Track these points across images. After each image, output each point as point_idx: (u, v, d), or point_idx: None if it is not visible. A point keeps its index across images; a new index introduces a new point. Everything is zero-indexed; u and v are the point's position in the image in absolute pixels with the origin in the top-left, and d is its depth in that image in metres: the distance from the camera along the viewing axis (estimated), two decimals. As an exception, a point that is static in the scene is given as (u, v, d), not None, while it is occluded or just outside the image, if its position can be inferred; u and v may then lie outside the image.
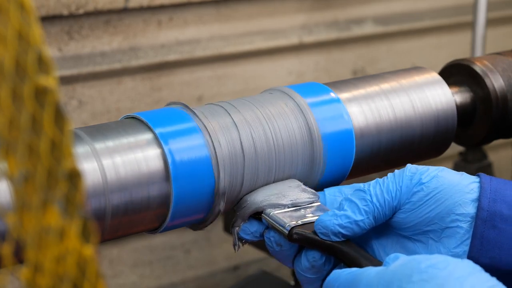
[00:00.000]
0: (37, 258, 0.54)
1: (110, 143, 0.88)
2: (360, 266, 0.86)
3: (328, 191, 0.97)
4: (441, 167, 0.93)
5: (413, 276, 0.75)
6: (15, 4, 0.52)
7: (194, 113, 0.93)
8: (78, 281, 0.55)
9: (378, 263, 0.86)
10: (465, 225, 0.90)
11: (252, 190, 0.96)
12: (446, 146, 1.13)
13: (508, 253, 0.89)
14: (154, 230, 0.93)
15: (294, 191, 0.95)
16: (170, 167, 0.89)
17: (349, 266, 0.87)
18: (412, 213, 0.91)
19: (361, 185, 0.94)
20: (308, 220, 0.91)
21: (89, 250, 0.55)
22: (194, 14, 1.77)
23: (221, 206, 0.93)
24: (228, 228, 1.70)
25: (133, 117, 0.94)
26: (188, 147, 0.91)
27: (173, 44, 1.76)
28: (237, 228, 0.94)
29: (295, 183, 0.97)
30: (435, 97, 1.10)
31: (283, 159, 0.96)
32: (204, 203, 0.92)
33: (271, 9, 1.88)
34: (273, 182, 0.97)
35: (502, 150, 2.31)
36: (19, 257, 0.56)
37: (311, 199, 0.94)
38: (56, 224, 0.54)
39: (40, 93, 0.53)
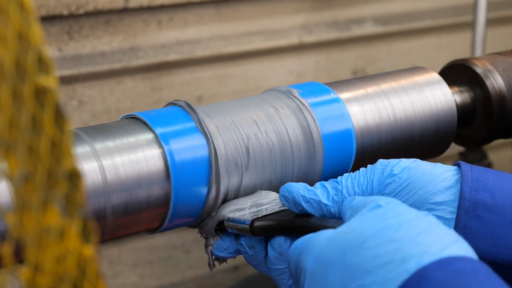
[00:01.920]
0: (37, 258, 0.54)
1: (110, 143, 0.88)
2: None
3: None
4: (414, 159, 0.91)
5: (367, 242, 0.71)
6: (15, 4, 0.52)
7: (194, 113, 0.93)
8: (78, 281, 0.55)
9: (337, 223, 0.82)
10: (442, 214, 0.88)
11: (252, 190, 0.96)
12: (446, 146, 1.13)
13: (492, 243, 0.86)
14: (154, 230, 0.93)
15: (256, 197, 0.94)
16: (170, 167, 0.89)
17: None
18: None
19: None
20: (266, 213, 0.90)
21: (89, 250, 0.55)
22: (194, 14, 1.77)
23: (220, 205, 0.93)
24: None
25: (133, 117, 0.94)
26: (188, 147, 0.91)
27: (173, 44, 1.76)
28: (210, 247, 0.93)
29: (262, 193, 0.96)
30: (435, 97, 1.09)
31: (283, 159, 0.96)
32: (204, 203, 0.92)
33: (271, 9, 1.88)
34: (274, 182, 0.97)
35: (502, 150, 2.31)
36: (19, 257, 0.56)
37: (272, 198, 0.94)
38: (56, 224, 0.54)
39: (40, 93, 0.53)
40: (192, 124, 0.93)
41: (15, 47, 0.52)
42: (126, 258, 1.84)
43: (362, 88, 1.06)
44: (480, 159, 1.98)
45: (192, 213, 0.92)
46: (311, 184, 1.00)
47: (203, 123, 0.92)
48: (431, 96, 1.09)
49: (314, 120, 0.99)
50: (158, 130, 0.90)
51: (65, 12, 1.58)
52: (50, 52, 1.61)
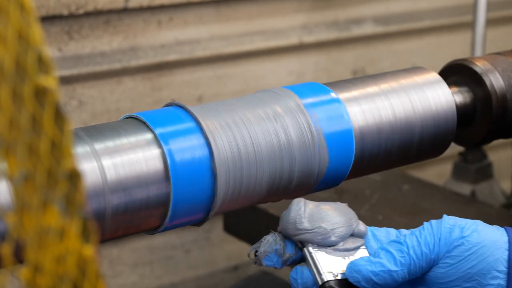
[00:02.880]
0: (37, 258, 0.54)
1: (110, 143, 0.88)
2: None
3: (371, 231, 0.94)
4: (477, 221, 0.90)
5: None
6: (15, 4, 0.52)
7: (194, 113, 0.93)
8: (78, 281, 0.55)
9: None
10: (504, 283, 0.87)
11: (252, 191, 0.96)
12: (446, 146, 1.13)
13: None
14: (154, 230, 0.93)
15: (345, 228, 0.92)
16: (170, 167, 0.89)
17: None
18: (452, 268, 0.89)
19: (392, 231, 0.91)
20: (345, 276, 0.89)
21: (89, 250, 0.55)
22: (194, 14, 1.77)
23: (220, 206, 0.93)
24: (228, 228, 1.70)
25: (133, 117, 0.94)
26: (187, 147, 0.91)
27: (173, 44, 1.76)
28: (262, 252, 0.91)
29: (350, 214, 0.93)
30: (435, 97, 1.09)
31: (283, 159, 0.96)
32: (204, 203, 0.92)
33: (271, 9, 1.88)
34: (274, 182, 0.97)
35: (502, 150, 2.31)
36: (19, 257, 0.56)
37: (357, 245, 0.92)
38: (56, 224, 0.54)
39: (40, 93, 0.53)
40: (191, 124, 0.93)
41: (15, 47, 0.52)
42: (126, 258, 1.84)
43: (362, 88, 1.06)
44: (480, 159, 1.98)
45: (192, 213, 0.92)
46: (311, 185, 1.00)
47: (202, 123, 0.92)
48: (431, 96, 1.09)
49: (314, 121, 0.99)
50: (158, 130, 0.90)
51: (65, 12, 1.58)
52: (50, 52, 1.61)
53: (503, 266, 0.88)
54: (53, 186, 0.53)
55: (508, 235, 0.89)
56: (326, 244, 0.91)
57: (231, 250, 1.91)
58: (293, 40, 1.90)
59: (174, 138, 0.91)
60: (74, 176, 0.54)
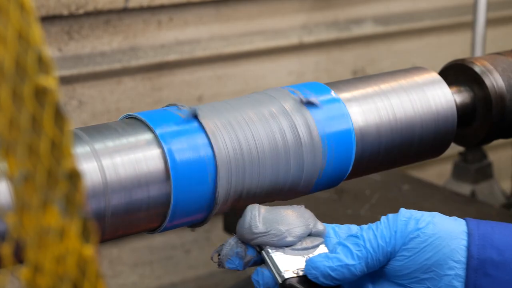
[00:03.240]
0: (37, 258, 0.54)
1: (110, 143, 0.88)
2: None
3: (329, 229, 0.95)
4: (433, 213, 0.91)
5: None
6: (15, 4, 0.52)
7: (194, 113, 0.93)
8: (78, 281, 0.55)
9: None
10: (462, 272, 0.88)
11: (254, 191, 0.96)
12: (446, 146, 1.13)
13: None
14: (154, 230, 0.93)
15: (302, 228, 0.92)
16: (170, 167, 0.89)
17: None
18: (409, 261, 0.89)
19: (354, 227, 0.92)
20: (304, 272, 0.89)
21: (89, 250, 0.55)
22: (194, 14, 1.77)
23: (221, 206, 0.93)
24: (228, 228, 1.70)
25: (133, 117, 0.93)
26: (188, 147, 0.91)
27: (173, 44, 1.76)
28: (224, 256, 0.92)
29: (306, 215, 0.94)
30: (435, 97, 1.09)
31: (285, 159, 0.96)
32: (204, 204, 0.92)
33: (271, 9, 1.88)
34: (276, 182, 0.97)
35: (502, 150, 2.31)
36: (19, 257, 0.56)
37: (316, 243, 0.92)
38: (56, 224, 0.54)
39: (40, 93, 0.53)
40: (192, 124, 0.93)
41: (15, 47, 0.52)
42: (126, 258, 1.84)
43: (362, 88, 1.06)
44: (480, 159, 1.98)
45: (192, 213, 0.92)
46: (311, 185, 1.00)
47: (203, 123, 0.92)
48: (431, 96, 1.09)
49: (314, 120, 0.99)
50: (158, 130, 0.90)
51: (65, 12, 1.58)
52: (50, 52, 1.61)
53: (460, 256, 0.88)
54: (53, 186, 0.53)
55: (468, 226, 0.89)
56: (283, 245, 0.91)
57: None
58: (293, 40, 1.90)
59: (175, 138, 0.91)
60: (74, 176, 0.54)
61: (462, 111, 1.13)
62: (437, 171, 2.28)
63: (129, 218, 0.88)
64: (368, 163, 1.05)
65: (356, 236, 0.90)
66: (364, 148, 1.03)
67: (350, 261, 0.88)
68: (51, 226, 0.53)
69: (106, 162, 0.86)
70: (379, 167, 1.09)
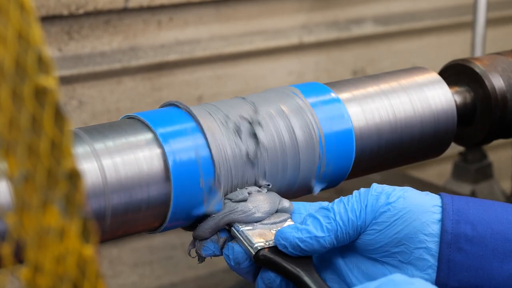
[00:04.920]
0: (37, 258, 0.54)
1: (110, 143, 0.88)
2: None
3: (294, 205, 0.96)
4: (405, 187, 0.91)
5: None
6: (15, 4, 0.52)
7: (194, 113, 0.93)
8: (78, 281, 0.55)
9: None
10: (433, 246, 0.88)
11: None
12: (446, 146, 1.13)
13: (476, 275, 0.87)
14: (154, 230, 0.93)
15: (269, 204, 0.93)
16: (170, 167, 0.89)
17: None
18: (380, 235, 0.89)
19: (326, 203, 0.92)
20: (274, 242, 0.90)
21: (89, 250, 0.55)
22: (194, 14, 1.77)
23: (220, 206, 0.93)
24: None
25: (133, 117, 0.94)
26: (188, 147, 0.91)
27: (173, 44, 1.76)
28: (199, 246, 0.93)
29: (271, 194, 0.95)
30: (435, 97, 1.09)
31: (283, 159, 0.96)
32: (204, 204, 0.92)
33: (271, 9, 1.88)
34: (274, 181, 0.97)
35: (502, 150, 2.31)
36: (19, 257, 0.56)
37: (284, 218, 0.93)
38: (56, 224, 0.54)
39: (40, 93, 0.53)
40: (192, 124, 0.93)
41: (15, 47, 0.52)
42: (126, 258, 1.84)
43: (362, 88, 1.06)
44: (480, 159, 1.98)
45: (192, 213, 0.92)
46: (311, 186, 1.00)
47: (203, 123, 0.92)
48: (431, 96, 1.09)
49: (315, 120, 0.99)
50: (158, 130, 0.90)
51: (65, 12, 1.58)
52: (50, 52, 1.61)
53: (431, 229, 0.88)
54: (53, 186, 0.53)
55: (442, 201, 0.89)
56: (251, 221, 0.92)
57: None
58: (293, 40, 1.90)
59: (175, 138, 0.91)
60: (74, 176, 0.54)
61: (462, 111, 1.13)
62: (437, 171, 2.28)
63: (129, 218, 0.88)
64: (368, 163, 1.05)
65: (326, 209, 0.90)
66: (364, 148, 1.03)
67: (319, 233, 0.88)
68: (51, 226, 0.53)
69: (106, 162, 0.86)
70: (379, 167, 1.09)
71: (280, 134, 0.96)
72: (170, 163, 0.89)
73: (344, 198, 0.90)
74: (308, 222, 0.89)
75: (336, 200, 0.91)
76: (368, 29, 2.02)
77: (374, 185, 0.91)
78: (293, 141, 0.97)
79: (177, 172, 0.89)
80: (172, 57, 1.75)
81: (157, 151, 0.90)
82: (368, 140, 1.03)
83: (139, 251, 1.85)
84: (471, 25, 1.86)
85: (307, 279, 0.86)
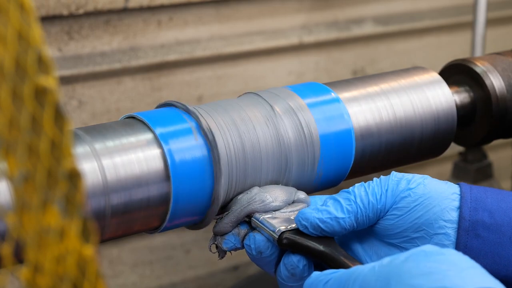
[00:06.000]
0: (37, 258, 0.54)
1: (110, 143, 0.88)
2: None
3: (315, 198, 0.97)
4: (425, 175, 0.93)
5: (412, 270, 0.73)
6: (15, 4, 0.52)
7: (194, 113, 0.93)
8: (78, 281, 0.55)
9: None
10: (452, 232, 0.90)
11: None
12: (446, 146, 1.13)
13: (492, 261, 0.88)
14: (153, 230, 0.93)
15: (286, 195, 0.95)
16: (170, 167, 0.89)
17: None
18: (400, 220, 0.90)
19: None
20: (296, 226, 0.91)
21: (89, 250, 0.55)
22: (194, 14, 1.77)
23: (219, 206, 0.93)
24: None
25: (133, 117, 0.94)
26: (188, 147, 0.91)
27: (173, 44, 1.76)
28: (219, 240, 0.93)
29: (286, 187, 0.96)
30: (435, 97, 1.10)
31: (284, 159, 0.96)
32: (204, 203, 0.92)
33: (271, 9, 1.88)
34: (273, 182, 0.97)
35: (502, 150, 2.31)
36: (19, 257, 0.56)
37: (302, 206, 0.94)
38: (56, 224, 0.54)
39: (40, 93, 0.53)
40: (191, 123, 0.93)
41: (15, 47, 0.52)
42: (126, 258, 1.84)
43: (362, 88, 1.06)
44: (480, 159, 1.98)
45: (192, 213, 0.92)
46: (311, 186, 1.00)
47: (203, 123, 0.92)
48: (431, 96, 1.09)
49: (313, 121, 0.99)
50: (158, 130, 0.90)
51: (65, 12, 1.58)
52: (50, 52, 1.61)
53: (450, 216, 0.90)
54: (53, 186, 0.53)
55: (461, 189, 0.91)
56: (270, 209, 0.93)
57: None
58: (293, 40, 1.90)
59: (174, 138, 0.91)
60: (74, 176, 0.54)
61: (462, 111, 1.13)
62: (437, 171, 2.28)
63: (129, 218, 0.88)
64: (368, 163, 1.05)
65: (347, 192, 0.91)
66: (364, 148, 1.03)
67: (340, 214, 0.89)
68: (51, 226, 0.53)
69: (106, 162, 0.86)
70: (379, 167, 1.09)
71: (280, 134, 0.96)
72: (170, 163, 0.89)
73: (365, 183, 0.92)
74: (329, 203, 0.90)
75: (357, 184, 0.92)
76: (368, 29, 2.02)
77: (394, 172, 0.93)
78: (292, 141, 0.97)
79: (176, 172, 0.89)
80: (172, 57, 1.75)
81: (157, 151, 0.90)
82: (368, 140, 1.03)
83: (139, 251, 1.85)
84: (471, 25, 1.86)
85: (332, 252, 0.87)
